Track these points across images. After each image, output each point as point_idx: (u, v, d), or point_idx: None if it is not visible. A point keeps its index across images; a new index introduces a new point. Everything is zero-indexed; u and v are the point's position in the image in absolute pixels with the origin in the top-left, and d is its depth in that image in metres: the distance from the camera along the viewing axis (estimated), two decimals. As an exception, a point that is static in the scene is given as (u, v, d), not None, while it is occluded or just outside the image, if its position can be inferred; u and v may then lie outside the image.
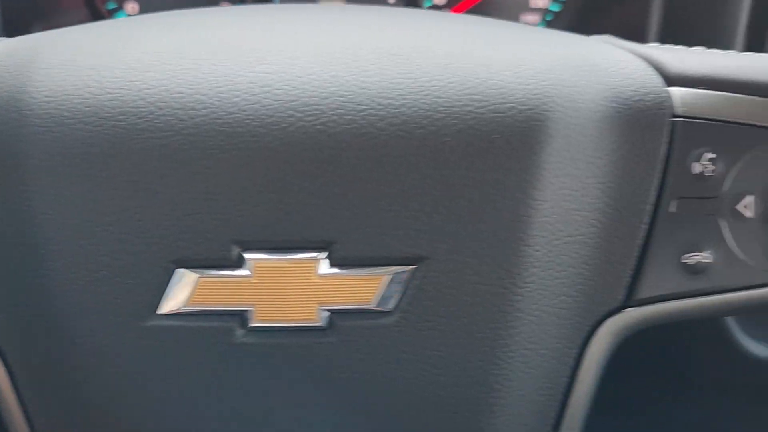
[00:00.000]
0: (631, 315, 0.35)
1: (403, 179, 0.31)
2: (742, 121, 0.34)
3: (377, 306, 0.32)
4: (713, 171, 0.34)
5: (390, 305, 0.32)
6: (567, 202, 0.33)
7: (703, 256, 0.34)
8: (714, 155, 0.34)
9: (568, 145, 0.32)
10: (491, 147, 0.31)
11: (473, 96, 0.32)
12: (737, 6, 0.61)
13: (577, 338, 0.35)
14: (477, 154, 0.31)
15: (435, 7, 0.80)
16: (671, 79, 0.35)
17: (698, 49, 0.38)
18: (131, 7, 0.77)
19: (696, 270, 0.34)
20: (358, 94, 0.31)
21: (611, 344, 0.36)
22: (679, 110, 0.34)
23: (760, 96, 0.34)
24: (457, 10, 0.81)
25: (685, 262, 0.34)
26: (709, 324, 0.67)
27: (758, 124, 0.34)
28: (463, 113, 0.31)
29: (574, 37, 0.39)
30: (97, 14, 0.76)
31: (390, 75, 0.32)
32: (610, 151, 0.33)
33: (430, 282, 0.32)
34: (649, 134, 0.34)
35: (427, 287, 0.32)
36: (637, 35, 0.71)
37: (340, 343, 0.32)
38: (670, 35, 0.69)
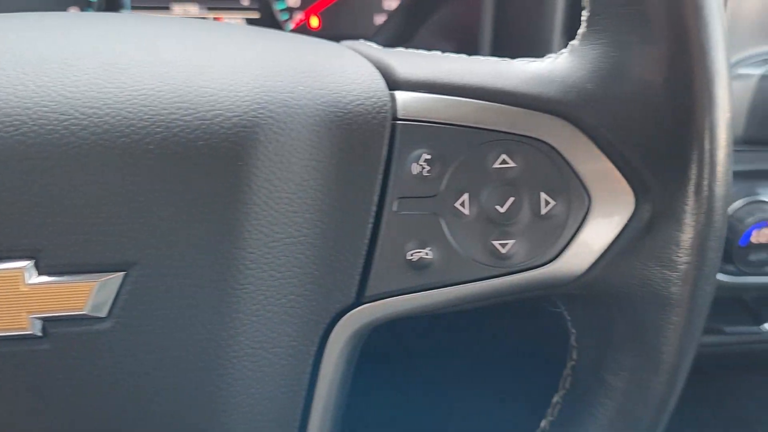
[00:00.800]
0: (364, 312, 0.36)
1: (108, 187, 0.31)
2: (456, 123, 0.35)
3: (90, 312, 0.32)
4: (430, 171, 0.35)
5: (103, 311, 0.32)
6: (283, 205, 0.34)
7: (425, 253, 0.35)
8: (430, 156, 0.35)
9: (281, 150, 0.33)
10: (197, 154, 0.32)
11: (181, 104, 0.32)
12: (553, 9, 0.64)
13: (313, 336, 0.36)
14: (182, 161, 0.32)
15: (289, 9, 0.81)
16: (397, 83, 0.36)
17: (434, 54, 0.39)
18: (-27, 11, 0.76)
19: (420, 266, 0.35)
20: (62, 104, 0.32)
21: (350, 341, 0.37)
22: (400, 113, 0.35)
23: (472, 98, 0.35)
24: (312, 11, 0.82)
25: (410, 259, 0.35)
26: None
27: (471, 125, 0.35)
28: (168, 121, 0.32)
29: (314, 42, 0.40)
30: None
31: (100, 85, 0.32)
32: (330, 155, 0.34)
33: (142, 287, 0.32)
34: (369, 137, 0.35)
35: (140, 292, 0.32)
36: (471, 33, 0.73)
37: (56, 350, 0.32)
38: (501, 34, 0.71)
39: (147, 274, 0.32)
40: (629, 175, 0.35)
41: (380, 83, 0.36)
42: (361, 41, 0.42)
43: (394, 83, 0.36)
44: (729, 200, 0.35)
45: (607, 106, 0.35)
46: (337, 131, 0.34)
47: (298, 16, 0.81)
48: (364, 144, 0.35)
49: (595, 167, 0.35)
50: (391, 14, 0.74)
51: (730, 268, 0.68)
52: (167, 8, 0.80)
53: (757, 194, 0.66)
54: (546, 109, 0.35)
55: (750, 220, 0.65)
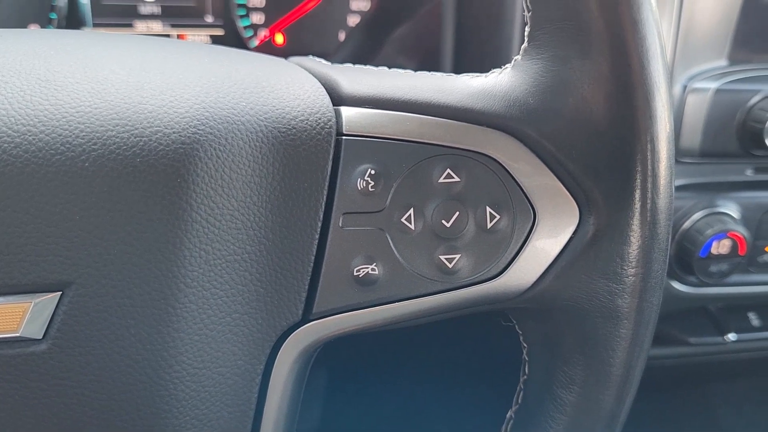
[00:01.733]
0: (312, 329, 0.36)
1: (42, 205, 0.31)
2: (401, 138, 0.35)
3: (25, 334, 0.31)
4: (375, 186, 0.35)
5: (39, 333, 0.31)
6: (225, 223, 0.33)
7: (372, 268, 0.35)
8: (375, 171, 0.35)
9: (223, 167, 0.33)
10: (134, 171, 0.32)
11: (118, 121, 0.32)
12: (512, 24, 0.64)
13: (260, 355, 0.35)
14: (118, 179, 0.31)
15: (253, 26, 0.81)
16: (342, 99, 0.36)
17: (380, 69, 0.39)
18: (-70, 29, 0.75)
19: (367, 282, 0.35)
20: None
21: (298, 359, 0.36)
22: (345, 129, 0.35)
23: (417, 113, 0.35)
24: (276, 28, 0.82)
25: (357, 275, 0.35)
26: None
27: (415, 140, 0.35)
28: (104, 138, 0.32)
29: (258, 58, 0.40)
30: None
31: (35, 101, 0.32)
32: (273, 171, 0.34)
33: (79, 307, 0.32)
34: (313, 153, 0.35)
35: (77, 313, 0.32)
36: (432, 50, 0.73)
37: None
38: (461, 50, 0.72)
39: (84, 294, 0.32)
40: (573, 189, 0.35)
41: (325, 99, 0.36)
42: (310, 57, 0.42)
43: (338, 99, 0.36)
44: (672, 212, 0.35)
45: (550, 121, 0.35)
46: (281, 147, 0.34)
47: (263, 33, 0.81)
48: (308, 160, 0.35)
49: (539, 181, 0.35)
50: (351, 31, 0.74)
51: (692, 279, 0.68)
52: (130, 25, 0.80)
53: (716, 206, 0.67)
54: (490, 124, 0.35)
55: (709, 231, 0.66)
